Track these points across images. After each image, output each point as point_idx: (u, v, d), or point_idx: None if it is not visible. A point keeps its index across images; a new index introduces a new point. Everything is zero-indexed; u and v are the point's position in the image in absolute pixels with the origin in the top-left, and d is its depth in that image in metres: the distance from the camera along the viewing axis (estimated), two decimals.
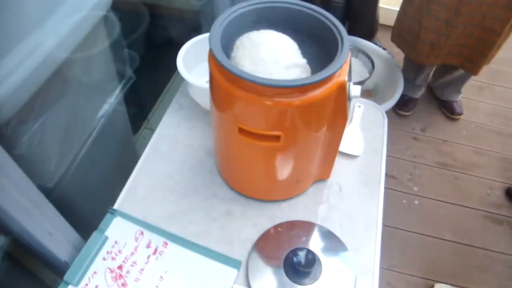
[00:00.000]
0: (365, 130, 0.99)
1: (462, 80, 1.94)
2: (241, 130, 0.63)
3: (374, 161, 0.93)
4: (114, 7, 0.99)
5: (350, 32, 2.16)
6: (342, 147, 0.93)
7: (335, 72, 0.58)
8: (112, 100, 1.06)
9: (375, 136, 0.99)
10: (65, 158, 0.90)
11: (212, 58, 0.61)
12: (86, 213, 0.87)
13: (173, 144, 0.93)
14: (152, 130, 0.96)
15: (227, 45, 0.67)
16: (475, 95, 2.21)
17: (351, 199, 0.85)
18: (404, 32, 1.72)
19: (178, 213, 0.80)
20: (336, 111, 0.66)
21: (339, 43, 0.62)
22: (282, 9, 0.69)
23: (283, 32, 0.69)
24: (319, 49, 0.69)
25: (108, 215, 0.78)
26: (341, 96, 0.63)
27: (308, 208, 0.83)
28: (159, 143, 0.93)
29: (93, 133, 0.98)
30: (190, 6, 1.84)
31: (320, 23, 0.67)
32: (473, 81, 2.18)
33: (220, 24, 0.65)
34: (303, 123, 0.63)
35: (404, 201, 1.69)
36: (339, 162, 0.91)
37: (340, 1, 2.10)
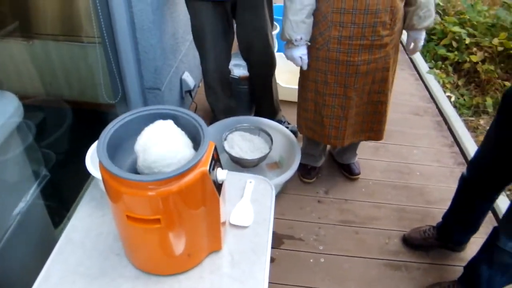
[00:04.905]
0: (255, 203, 1.16)
1: (356, 145, 2.23)
2: (128, 217, 0.78)
3: (262, 230, 1.09)
4: (36, 108, 1.14)
5: (257, 113, 2.45)
6: (234, 220, 1.09)
7: (196, 164, 0.77)
8: (27, 198, 1.17)
9: (264, 207, 1.15)
10: None
11: (101, 164, 0.77)
12: None
13: (85, 233, 1.05)
14: None
15: (121, 146, 0.84)
16: (372, 155, 2.52)
17: (242, 266, 0.99)
18: (310, 124, 1.97)
19: None
20: (207, 193, 0.83)
21: (202, 141, 0.82)
22: (165, 114, 0.89)
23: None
24: (194, 143, 0.87)
25: None
26: (207, 182, 0.81)
27: (203, 278, 0.96)
28: (72, 233, 1.04)
29: (9, 229, 1.08)
30: (108, 101, 2.02)
31: (192, 124, 0.87)
32: (369, 143, 2.49)
33: (107, 133, 0.82)
34: (179, 206, 0.80)
35: (311, 260, 1.84)
36: (231, 233, 1.07)
37: (243, 86, 2.40)
